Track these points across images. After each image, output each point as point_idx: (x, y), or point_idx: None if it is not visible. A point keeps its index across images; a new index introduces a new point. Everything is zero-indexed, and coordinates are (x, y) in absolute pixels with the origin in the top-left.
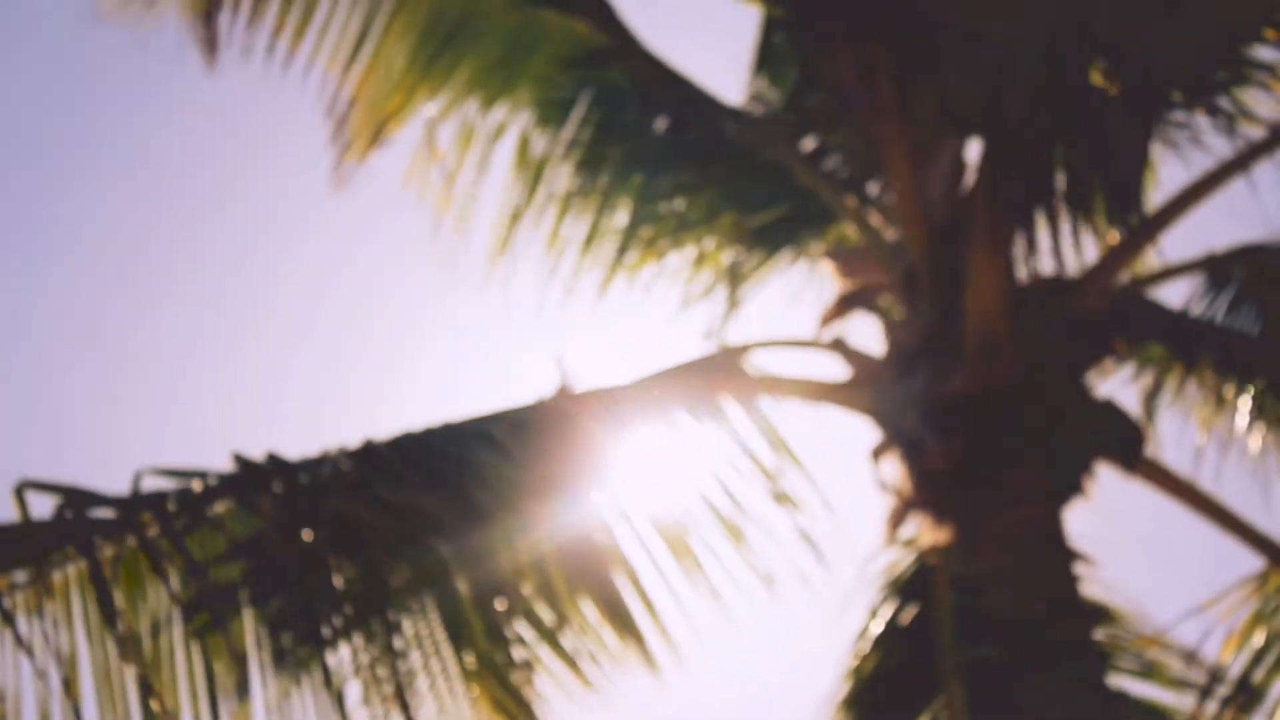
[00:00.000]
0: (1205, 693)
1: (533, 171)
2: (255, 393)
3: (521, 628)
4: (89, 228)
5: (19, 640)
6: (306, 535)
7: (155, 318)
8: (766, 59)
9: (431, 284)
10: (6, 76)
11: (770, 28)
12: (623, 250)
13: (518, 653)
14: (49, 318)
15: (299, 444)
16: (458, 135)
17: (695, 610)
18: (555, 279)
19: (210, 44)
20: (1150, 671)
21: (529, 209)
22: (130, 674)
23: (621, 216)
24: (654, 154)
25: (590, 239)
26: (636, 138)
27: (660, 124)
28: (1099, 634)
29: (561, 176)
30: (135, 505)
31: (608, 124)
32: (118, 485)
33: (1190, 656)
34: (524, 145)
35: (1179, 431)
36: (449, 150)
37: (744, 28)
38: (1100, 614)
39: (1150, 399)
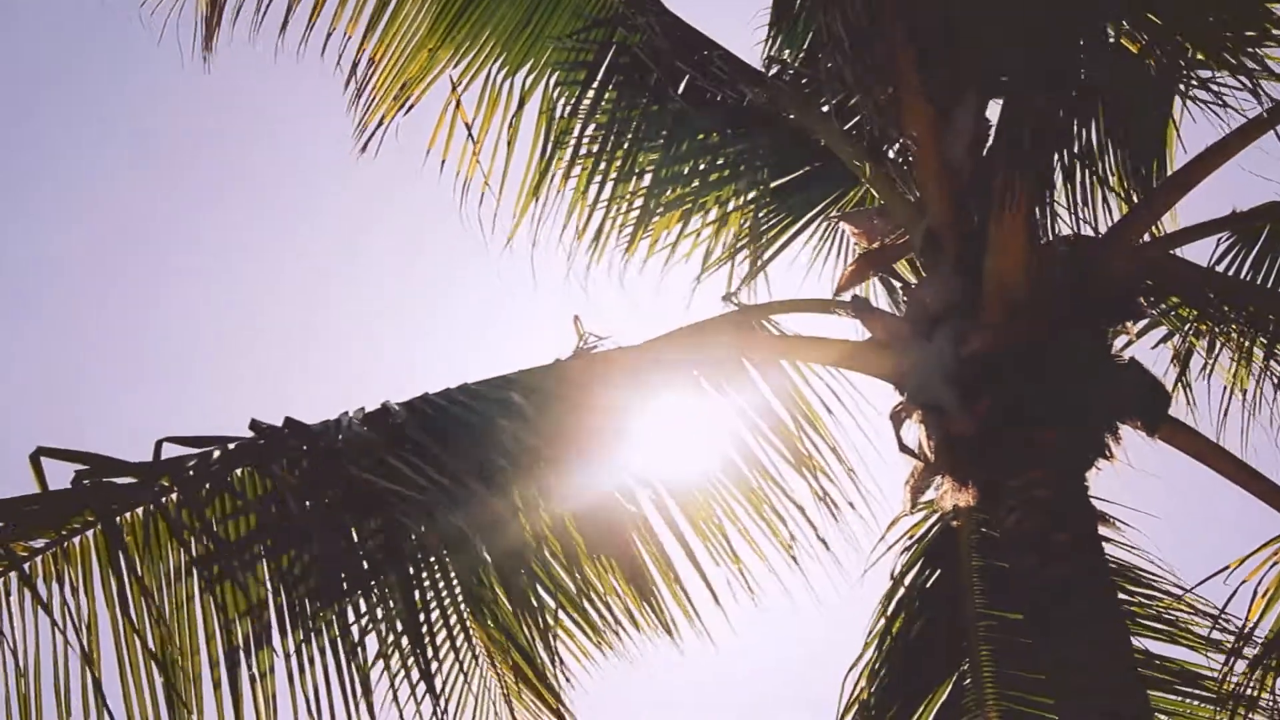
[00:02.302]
0: (1234, 654)
1: (556, 134)
2: (279, 357)
3: (541, 592)
4: (106, 194)
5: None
6: (324, 498)
7: (174, 287)
8: (782, 18)
9: (454, 247)
10: (24, 41)
11: None
12: (645, 212)
13: (538, 617)
14: (65, 286)
15: (321, 408)
16: (481, 98)
17: (717, 574)
18: (578, 241)
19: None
20: (1177, 633)
21: (552, 171)
22: (148, 635)
23: (644, 179)
24: (676, 116)
25: (613, 201)
26: (659, 100)
27: (682, 86)
28: (1125, 595)
29: (584, 138)
30: (155, 472)
31: (630, 86)
32: (137, 456)
33: (1217, 618)
34: (547, 107)
35: (1205, 391)
36: (473, 113)
37: None
38: (1126, 575)
39: (1176, 359)
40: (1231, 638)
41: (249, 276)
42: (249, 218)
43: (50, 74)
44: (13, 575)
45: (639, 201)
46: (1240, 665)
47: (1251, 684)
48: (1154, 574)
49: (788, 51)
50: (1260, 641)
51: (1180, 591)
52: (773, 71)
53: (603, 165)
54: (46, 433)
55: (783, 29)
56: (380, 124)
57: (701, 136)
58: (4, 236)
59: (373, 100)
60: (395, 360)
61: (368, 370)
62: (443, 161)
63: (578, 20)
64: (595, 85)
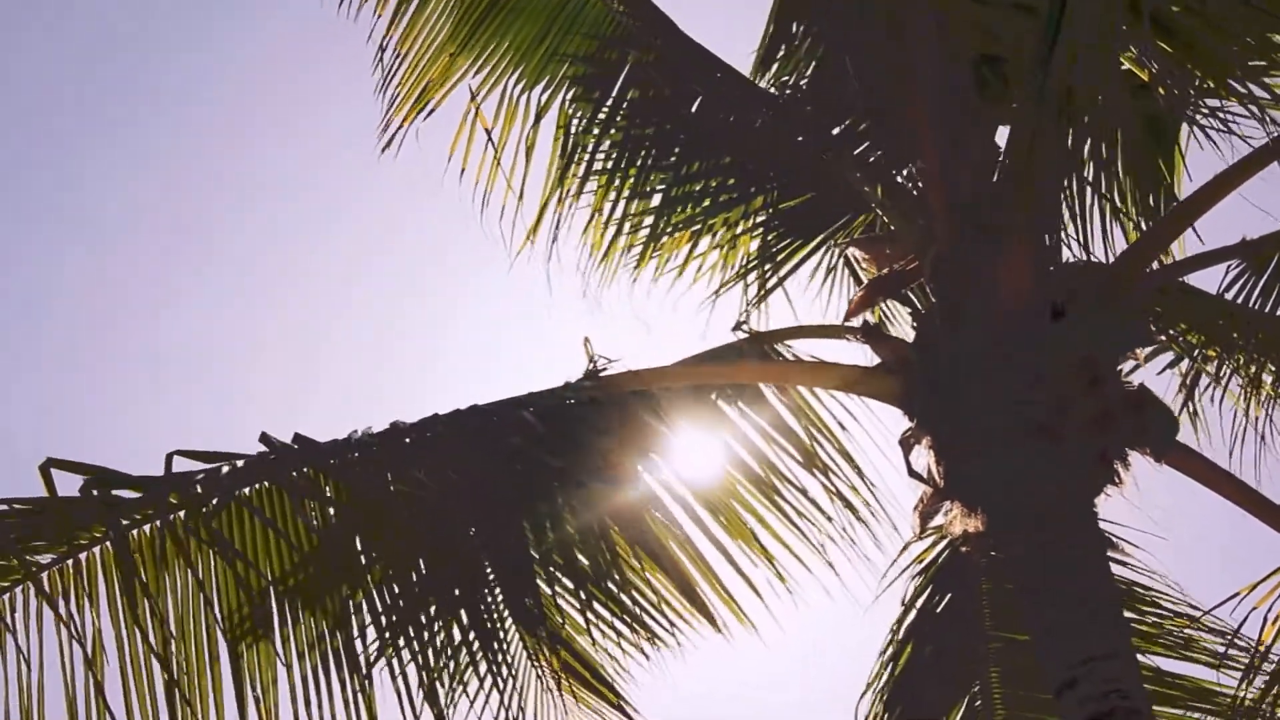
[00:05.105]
0: (1250, 671)
1: (570, 150)
2: (291, 370)
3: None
4: (120, 201)
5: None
6: (333, 518)
7: (186, 297)
8: (785, 43)
9: (470, 259)
10: (36, 56)
11: (787, 11)
12: (656, 231)
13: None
14: (76, 297)
15: (333, 423)
16: (499, 109)
17: (730, 599)
18: (591, 257)
19: None
20: (1189, 651)
21: (566, 187)
22: (156, 651)
23: (655, 198)
24: (687, 136)
25: (625, 219)
26: (670, 119)
27: (693, 106)
28: (1134, 615)
29: (598, 156)
30: (163, 486)
31: (644, 105)
32: (148, 469)
33: (1231, 638)
34: (563, 123)
35: (1216, 417)
36: (491, 123)
37: (761, 10)
38: (1135, 596)
39: (1184, 384)
40: (1243, 655)
41: (263, 287)
42: (266, 227)
43: (63, 88)
44: (19, 591)
45: (649, 220)
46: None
47: (1268, 702)
48: (1164, 593)
49: (786, 77)
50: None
51: (1191, 612)
52: (783, 95)
53: (616, 182)
54: (58, 446)
55: (782, 51)
56: (401, 125)
57: (713, 157)
58: (16, 247)
59: (396, 96)
60: (408, 372)
61: (380, 381)
62: (462, 171)
63: (593, 39)
64: (609, 104)
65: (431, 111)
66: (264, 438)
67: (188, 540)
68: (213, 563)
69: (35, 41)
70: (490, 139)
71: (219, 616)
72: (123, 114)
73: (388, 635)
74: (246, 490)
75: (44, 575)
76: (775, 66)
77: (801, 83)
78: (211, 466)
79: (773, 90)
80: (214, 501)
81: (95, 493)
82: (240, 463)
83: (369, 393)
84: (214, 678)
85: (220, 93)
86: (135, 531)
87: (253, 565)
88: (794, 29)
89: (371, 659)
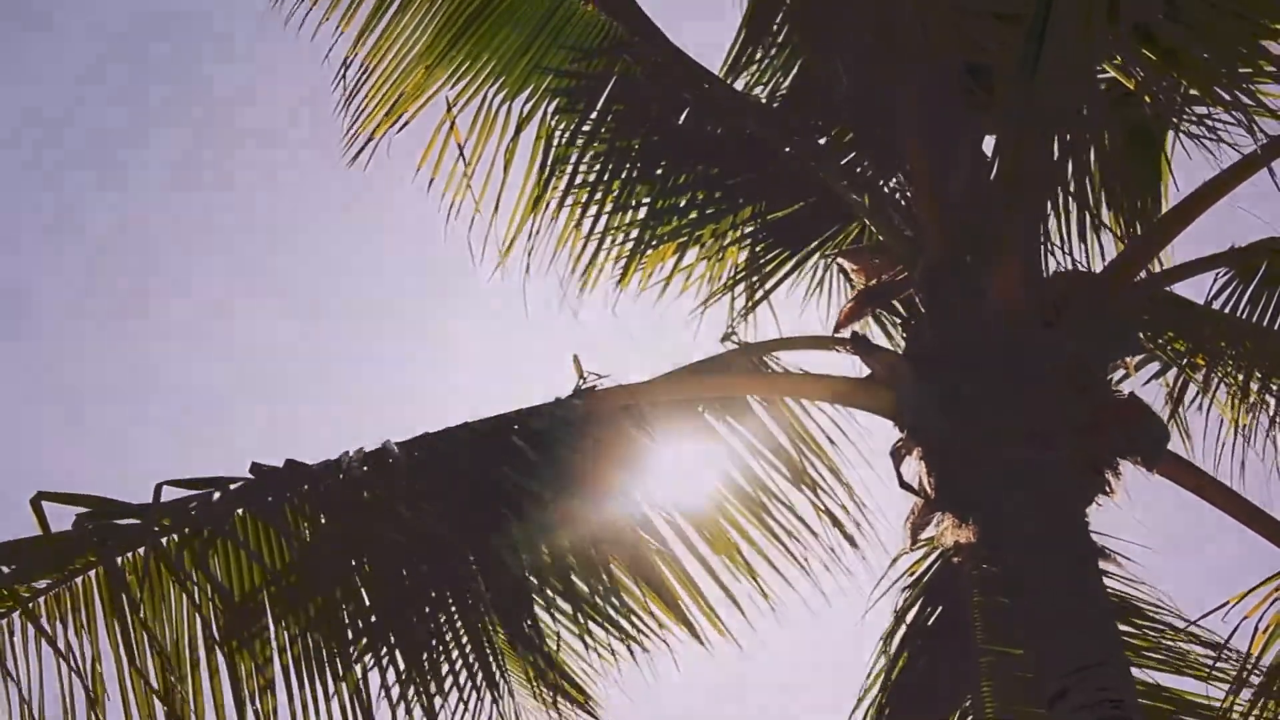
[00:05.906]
0: (1239, 684)
1: (553, 161)
2: (275, 387)
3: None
4: (118, 212)
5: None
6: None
7: (166, 316)
8: (765, 48)
9: (446, 278)
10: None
11: (766, 15)
12: (642, 243)
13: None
14: (60, 317)
15: (315, 441)
16: (476, 121)
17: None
18: (572, 270)
19: None
20: (1180, 664)
21: (548, 198)
22: (153, 679)
23: (640, 210)
24: (674, 147)
25: (609, 230)
26: (657, 130)
27: (680, 117)
28: (1127, 627)
29: (581, 167)
30: (155, 513)
31: (630, 116)
32: (134, 490)
33: (1221, 650)
34: (545, 134)
35: (1202, 425)
36: (467, 135)
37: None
38: (1126, 609)
39: (1171, 394)
40: (1232, 668)
41: (263, 296)
42: (248, 246)
43: (60, 105)
44: (16, 617)
45: (635, 232)
46: (1242, 696)
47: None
48: (1155, 605)
49: (762, 85)
50: (1263, 671)
51: (1180, 624)
52: (771, 104)
53: (599, 194)
54: (51, 475)
55: (761, 58)
56: (371, 138)
57: (700, 168)
58: (11, 271)
59: (364, 110)
60: (394, 383)
61: (368, 394)
62: (431, 180)
63: (579, 49)
64: (594, 114)
65: (405, 125)
66: (254, 468)
67: (180, 568)
68: (208, 585)
69: (36, 57)
70: (462, 154)
71: (216, 638)
72: (119, 126)
73: (376, 648)
74: (240, 511)
75: (40, 599)
76: (753, 68)
77: (779, 92)
78: (203, 493)
79: (761, 99)
80: (206, 532)
81: (90, 526)
82: (232, 488)
83: (368, 401)
84: (215, 700)
85: (221, 98)
86: (130, 554)
87: (226, 592)
88: (772, 29)
89: (357, 665)
